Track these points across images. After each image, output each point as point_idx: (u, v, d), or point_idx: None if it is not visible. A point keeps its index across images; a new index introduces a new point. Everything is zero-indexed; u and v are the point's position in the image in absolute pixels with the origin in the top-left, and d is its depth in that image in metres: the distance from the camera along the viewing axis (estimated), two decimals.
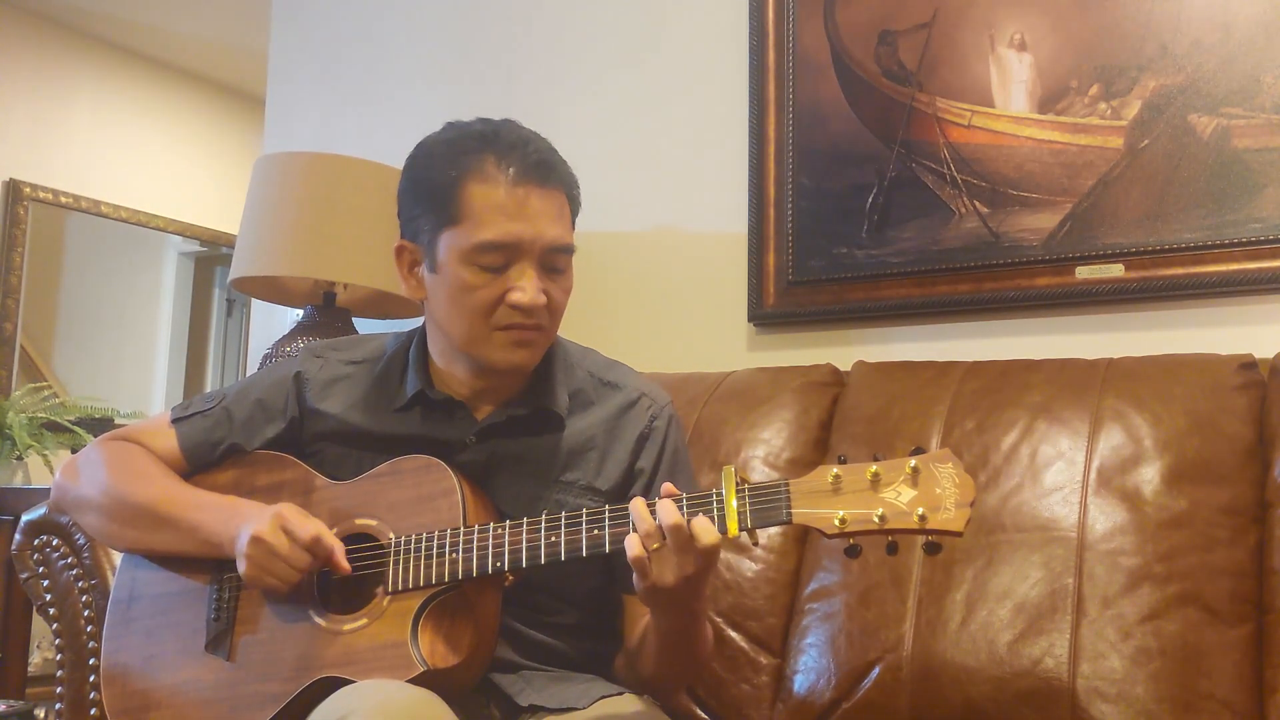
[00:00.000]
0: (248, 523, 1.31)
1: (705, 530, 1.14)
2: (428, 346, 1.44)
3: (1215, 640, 1.43)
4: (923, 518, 1.09)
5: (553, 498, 1.38)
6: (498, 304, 1.31)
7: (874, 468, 1.12)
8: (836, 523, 1.11)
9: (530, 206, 1.30)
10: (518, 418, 1.39)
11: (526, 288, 1.30)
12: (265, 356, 2.41)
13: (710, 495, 1.17)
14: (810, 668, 1.60)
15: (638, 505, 1.18)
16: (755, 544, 1.56)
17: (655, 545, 1.16)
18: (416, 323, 1.49)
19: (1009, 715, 1.45)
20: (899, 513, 1.10)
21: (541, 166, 1.32)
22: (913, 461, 1.11)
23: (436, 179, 1.32)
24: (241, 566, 1.30)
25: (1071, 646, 1.44)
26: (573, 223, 1.38)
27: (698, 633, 1.32)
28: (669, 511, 1.15)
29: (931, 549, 1.12)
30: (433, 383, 1.42)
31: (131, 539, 1.44)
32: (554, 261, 1.34)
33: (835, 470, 1.13)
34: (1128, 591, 1.46)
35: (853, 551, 1.13)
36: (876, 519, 1.10)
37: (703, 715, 1.66)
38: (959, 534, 1.09)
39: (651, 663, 1.36)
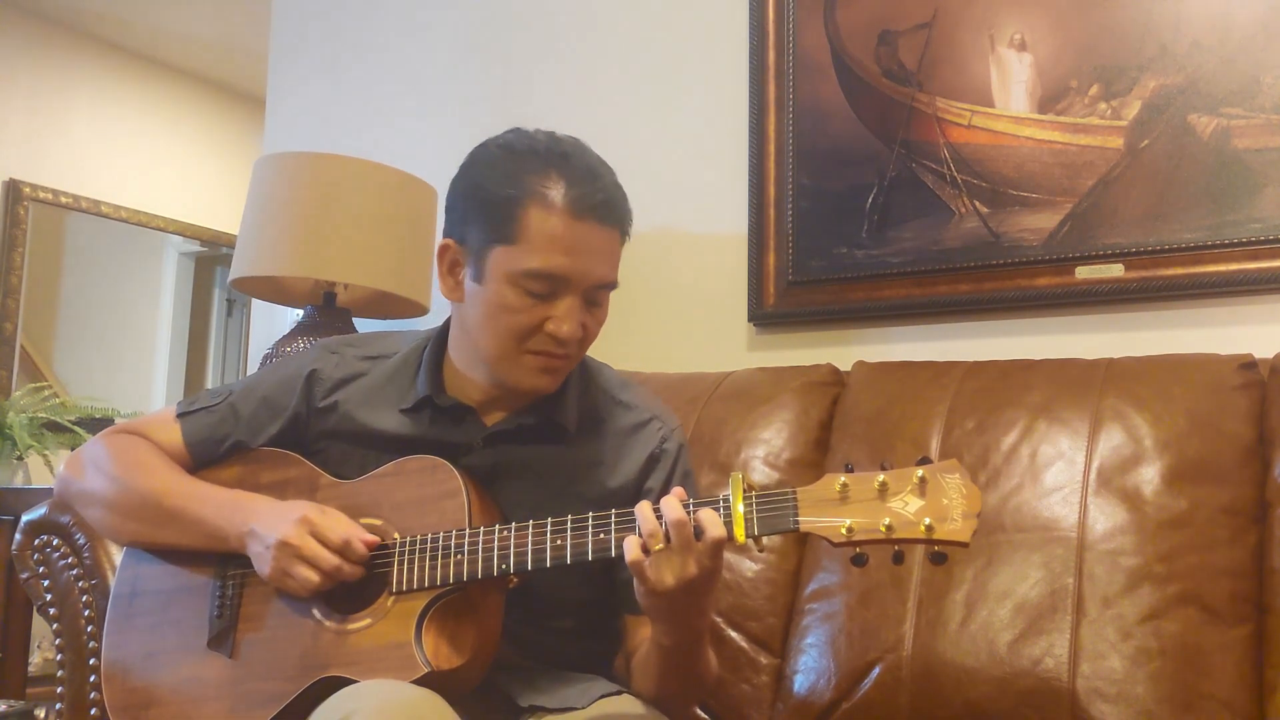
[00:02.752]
0: (260, 521, 1.31)
1: (711, 522, 1.14)
2: (447, 347, 1.43)
3: (1215, 640, 1.43)
4: (930, 528, 1.08)
5: (557, 508, 1.37)
6: (535, 330, 1.30)
7: (881, 477, 1.11)
8: (844, 531, 1.11)
9: (587, 243, 1.28)
10: (527, 426, 1.38)
11: (567, 320, 1.29)
12: (265, 356, 2.41)
13: (717, 501, 1.17)
14: (810, 668, 1.60)
15: (643, 507, 1.17)
16: (759, 548, 1.56)
17: (658, 546, 1.15)
18: (420, 322, 1.48)
19: (1009, 715, 1.45)
20: (906, 523, 1.09)
21: (605, 205, 1.30)
22: (920, 471, 1.10)
23: (496, 191, 1.29)
24: (264, 569, 1.30)
25: (1071, 646, 1.45)
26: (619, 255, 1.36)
27: (699, 655, 1.31)
28: (674, 507, 1.15)
29: (937, 559, 1.12)
30: (443, 387, 1.41)
31: (135, 532, 1.43)
32: (596, 296, 1.33)
33: (842, 479, 1.13)
34: (1128, 591, 1.46)
35: (859, 560, 1.13)
36: (883, 528, 1.10)
37: (703, 715, 1.66)
38: (965, 545, 1.09)
39: (650, 684, 1.35)
